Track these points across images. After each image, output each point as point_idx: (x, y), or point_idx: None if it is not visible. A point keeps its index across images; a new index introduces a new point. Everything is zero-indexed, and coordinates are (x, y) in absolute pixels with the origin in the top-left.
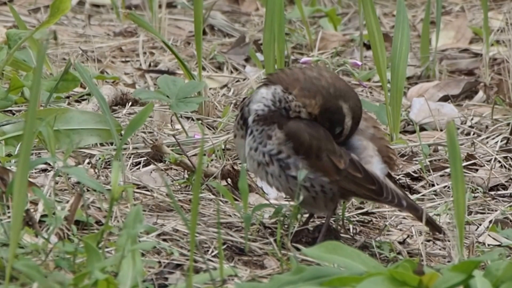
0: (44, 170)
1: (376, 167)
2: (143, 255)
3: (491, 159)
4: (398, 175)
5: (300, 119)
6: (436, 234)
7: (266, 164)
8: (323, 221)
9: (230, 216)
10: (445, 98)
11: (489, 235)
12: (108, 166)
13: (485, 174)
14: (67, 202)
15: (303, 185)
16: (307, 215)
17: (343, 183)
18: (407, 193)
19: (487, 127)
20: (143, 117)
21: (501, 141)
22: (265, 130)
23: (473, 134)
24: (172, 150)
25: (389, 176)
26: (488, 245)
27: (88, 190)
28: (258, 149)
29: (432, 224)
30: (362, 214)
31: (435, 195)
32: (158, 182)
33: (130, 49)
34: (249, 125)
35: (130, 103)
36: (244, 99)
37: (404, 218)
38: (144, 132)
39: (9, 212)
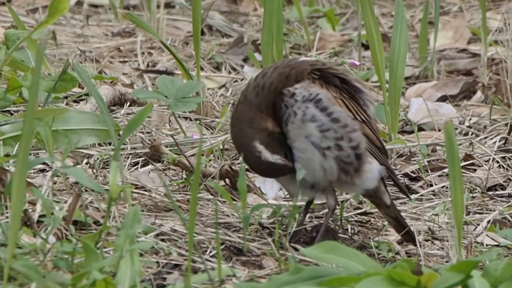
0: (42, 170)
1: (376, 168)
2: (141, 255)
3: (489, 159)
4: (397, 175)
5: None
6: (409, 243)
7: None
8: (321, 221)
9: (228, 216)
10: (443, 98)
11: (487, 235)
12: (106, 166)
13: (483, 174)
14: (65, 202)
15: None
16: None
17: (367, 128)
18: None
19: (485, 127)
20: (142, 117)
21: (499, 141)
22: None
23: (471, 134)
24: (170, 150)
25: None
26: (486, 245)
27: (86, 190)
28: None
29: (408, 233)
30: (360, 214)
31: (434, 195)
32: (156, 182)
33: (128, 49)
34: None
35: (128, 103)
36: None
37: None
38: (142, 132)
39: (7, 212)
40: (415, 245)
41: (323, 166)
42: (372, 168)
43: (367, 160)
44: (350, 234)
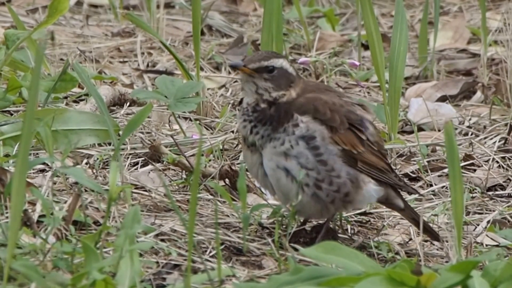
0: (42, 171)
1: (371, 187)
2: (141, 255)
3: (489, 159)
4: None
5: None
6: (433, 241)
7: (291, 147)
8: (321, 222)
9: (228, 216)
10: (443, 98)
11: (487, 235)
12: (106, 167)
13: (483, 174)
14: (65, 202)
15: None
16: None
17: (366, 155)
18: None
19: (485, 127)
20: (142, 117)
21: (499, 141)
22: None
23: (471, 135)
24: (170, 150)
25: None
26: (486, 245)
27: (86, 191)
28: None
29: (429, 232)
30: (360, 214)
31: (433, 195)
32: (156, 182)
33: (128, 49)
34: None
35: (128, 103)
36: None
37: (402, 218)
38: (142, 133)
39: (7, 213)
40: (440, 242)
41: (298, 196)
42: (364, 193)
43: (358, 191)
44: (350, 234)
